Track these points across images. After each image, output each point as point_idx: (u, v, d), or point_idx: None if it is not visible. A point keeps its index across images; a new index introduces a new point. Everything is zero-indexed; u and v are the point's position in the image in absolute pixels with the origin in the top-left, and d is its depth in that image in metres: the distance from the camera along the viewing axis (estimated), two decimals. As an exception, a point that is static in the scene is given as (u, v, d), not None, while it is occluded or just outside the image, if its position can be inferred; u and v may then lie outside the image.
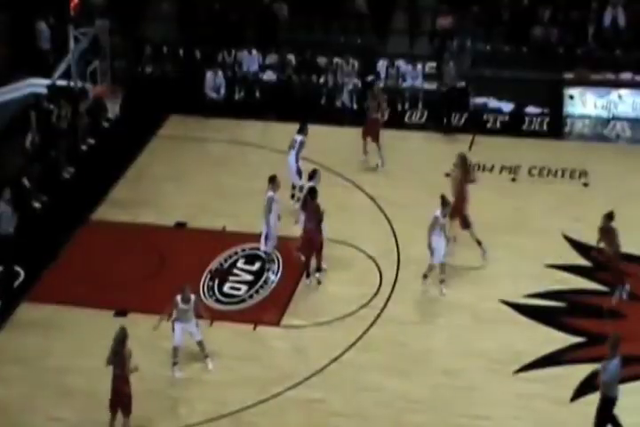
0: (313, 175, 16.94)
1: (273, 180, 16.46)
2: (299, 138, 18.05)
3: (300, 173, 17.81)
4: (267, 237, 16.41)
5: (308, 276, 16.63)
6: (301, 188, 17.45)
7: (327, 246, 16.96)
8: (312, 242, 16.42)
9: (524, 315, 15.69)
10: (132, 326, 14.79)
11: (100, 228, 18.10)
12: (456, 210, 16.58)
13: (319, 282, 16.58)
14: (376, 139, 19.40)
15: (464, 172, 16.95)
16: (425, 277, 16.18)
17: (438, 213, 15.84)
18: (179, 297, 14.47)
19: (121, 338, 13.40)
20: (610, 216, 15.59)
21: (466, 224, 16.81)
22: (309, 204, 16.40)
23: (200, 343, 14.81)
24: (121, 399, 13.43)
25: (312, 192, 16.45)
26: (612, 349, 12.74)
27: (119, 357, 13.35)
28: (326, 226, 16.53)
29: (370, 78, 22.32)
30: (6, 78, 20.29)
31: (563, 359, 14.79)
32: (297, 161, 17.97)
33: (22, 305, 16.27)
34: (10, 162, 18.81)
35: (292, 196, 18.03)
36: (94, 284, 16.43)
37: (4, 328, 15.81)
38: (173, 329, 14.57)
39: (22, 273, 16.94)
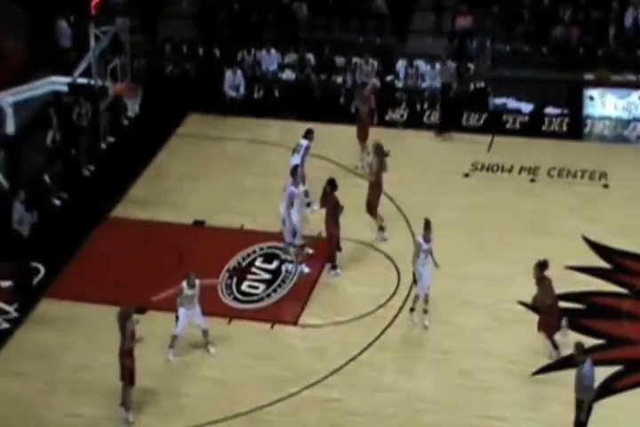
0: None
1: (294, 173, 16.63)
2: (304, 143, 18.00)
3: (303, 178, 17.55)
4: (294, 232, 16.60)
5: (334, 268, 16.71)
6: (306, 193, 17.38)
7: (344, 246, 17.04)
8: (332, 236, 16.52)
9: (542, 316, 15.67)
10: (149, 324, 14.98)
11: (119, 225, 18.18)
12: (372, 197, 16.97)
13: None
14: (364, 140, 19.33)
15: (380, 161, 17.19)
16: (412, 310, 15.61)
17: (420, 238, 15.29)
18: (184, 282, 14.56)
19: (123, 315, 13.71)
20: (542, 265, 14.53)
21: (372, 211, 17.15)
22: (329, 197, 16.44)
23: (205, 332, 14.97)
24: (124, 372, 13.79)
25: (331, 184, 16.53)
26: (580, 355, 12.88)
27: (121, 332, 13.69)
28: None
29: (389, 78, 22.33)
30: (27, 76, 20.37)
31: (580, 361, 14.75)
32: (302, 166, 17.79)
33: (42, 301, 16.37)
34: (31, 159, 18.88)
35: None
36: (113, 281, 16.50)
37: (24, 324, 15.90)
38: (177, 316, 14.60)
39: (42, 269, 17.03)
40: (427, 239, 15.25)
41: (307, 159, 18.00)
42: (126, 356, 13.78)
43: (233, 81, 21.73)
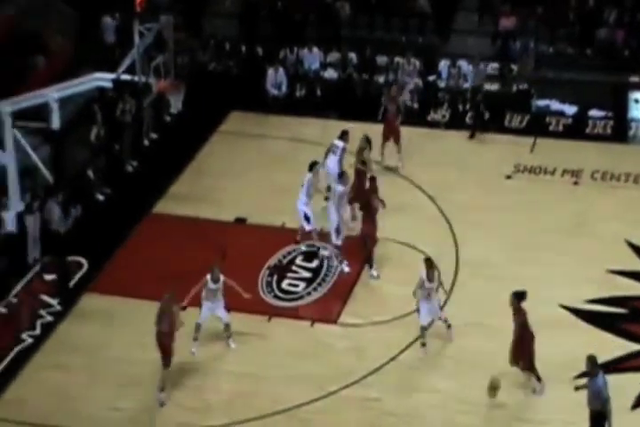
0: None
1: (342, 175, 16.79)
2: (340, 144, 18.04)
3: (340, 175, 17.59)
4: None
5: (371, 267, 16.76)
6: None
7: (385, 246, 17.06)
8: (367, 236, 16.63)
9: (583, 320, 15.57)
10: (190, 320, 15.06)
11: (160, 221, 18.31)
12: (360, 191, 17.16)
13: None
14: (397, 141, 19.34)
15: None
16: (423, 345, 15.07)
17: (423, 275, 14.83)
18: (208, 276, 14.73)
19: (169, 299, 14.14)
20: (519, 296, 13.94)
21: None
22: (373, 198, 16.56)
23: (227, 326, 15.14)
24: (164, 353, 14.11)
25: (372, 182, 16.79)
26: (593, 367, 12.66)
27: (166, 315, 14.06)
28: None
29: (431, 78, 22.29)
30: (73, 72, 20.57)
31: (623, 367, 14.64)
32: (339, 167, 17.89)
33: (85, 295, 16.54)
34: (75, 155, 19.07)
35: (326, 198, 17.89)
36: (154, 276, 16.58)
37: (67, 318, 16.08)
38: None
39: (85, 264, 17.21)
40: (430, 278, 14.82)
41: (344, 160, 18.05)
42: (168, 337, 14.05)
43: (275, 79, 21.79)
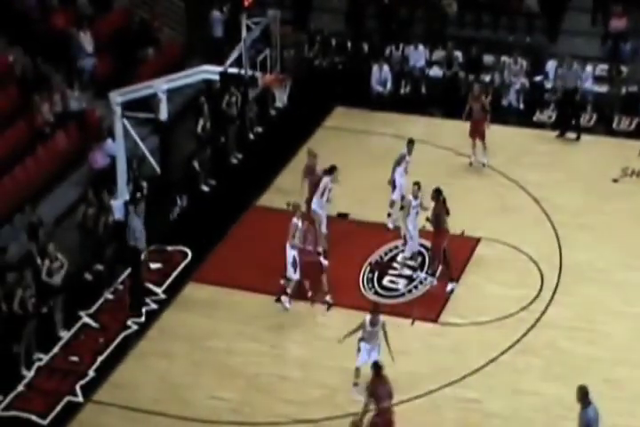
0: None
1: (417, 185, 16.61)
2: (404, 154, 17.77)
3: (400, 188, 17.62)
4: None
5: (432, 275, 16.66)
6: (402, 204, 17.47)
7: (489, 246, 16.93)
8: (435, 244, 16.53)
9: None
10: (294, 315, 15.16)
11: (264, 213, 18.46)
12: None
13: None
14: (482, 138, 19.17)
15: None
16: (355, 384, 14.39)
17: (367, 319, 14.13)
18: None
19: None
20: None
21: None
22: (435, 205, 16.33)
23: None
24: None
25: (437, 193, 16.33)
26: (583, 398, 12.11)
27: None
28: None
29: (538, 78, 21.99)
30: (181, 64, 20.88)
31: None
32: (402, 176, 17.74)
33: (189, 285, 16.78)
34: (182, 146, 19.35)
35: (389, 215, 17.89)
36: (257, 269, 16.75)
37: (171, 306, 16.33)
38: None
39: (189, 254, 17.46)
40: (373, 323, 14.07)
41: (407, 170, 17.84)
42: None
43: (380, 76, 21.76)
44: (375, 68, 21.80)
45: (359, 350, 14.26)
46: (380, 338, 14.20)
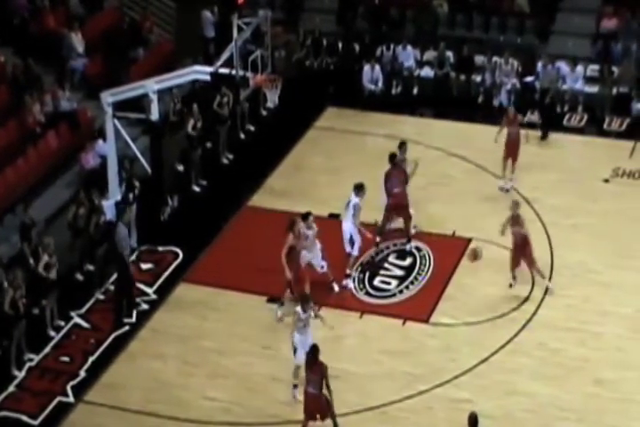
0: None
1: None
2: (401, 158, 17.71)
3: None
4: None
5: (409, 241, 17.20)
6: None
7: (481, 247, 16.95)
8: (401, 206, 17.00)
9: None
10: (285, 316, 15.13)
11: (255, 214, 18.45)
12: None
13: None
14: (515, 160, 18.72)
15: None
16: (295, 386, 14.24)
17: (299, 308, 14.22)
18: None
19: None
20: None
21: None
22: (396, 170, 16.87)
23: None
24: None
25: (392, 158, 16.95)
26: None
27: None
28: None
29: (529, 79, 22.01)
30: (172, 65, 20.86)
31: None
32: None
33: (180, 285, 16.75)
34: (172, 146, 19.31)
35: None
36: (248, 269, 16.76)
37: (163, 306, 16.30)
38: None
39: (180, 254, 17.43)
40: (305, 309, 14.14)
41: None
42: None
43: (371, 76, 21.76)
44: (367, 67, 21.81)
45: (295, 349, 14.16)
46: (311, 322, 14.22)
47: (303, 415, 13.50)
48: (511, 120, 18.77)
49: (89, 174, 18.56)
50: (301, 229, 15.88)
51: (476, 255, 15.86)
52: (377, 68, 21.81)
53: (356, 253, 16.70)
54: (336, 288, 16.43)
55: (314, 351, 13.29)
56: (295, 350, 14.19)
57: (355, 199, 16.56)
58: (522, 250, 16.07)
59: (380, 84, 21.77)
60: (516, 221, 16.05)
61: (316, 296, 14.96)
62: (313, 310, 14.32)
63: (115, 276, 16.26)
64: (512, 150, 18.72)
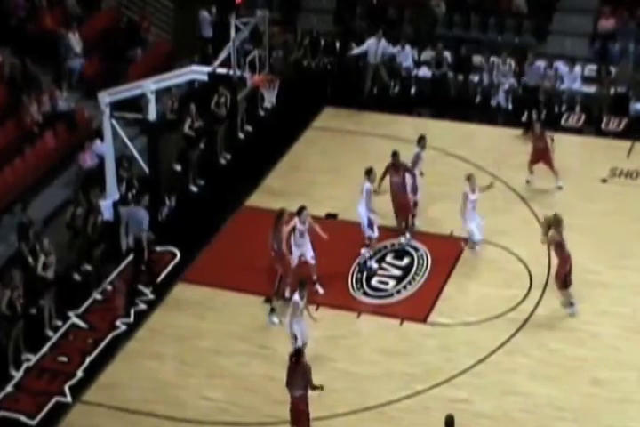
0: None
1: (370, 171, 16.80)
2: (416, 151, 17.81)
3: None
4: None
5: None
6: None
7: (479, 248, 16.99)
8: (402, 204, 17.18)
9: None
10: (282, 315, 15.12)
11: (253, 214, 18.44)
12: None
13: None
14: (551, 166, 18.61)
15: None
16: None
17: (296, 296, 14.41)
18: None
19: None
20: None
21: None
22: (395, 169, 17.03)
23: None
24: None
25: (394, 155, 17.04)
26: None
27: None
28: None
29: (526, 79, 22.00)
30: (170, 65, 20.86)
31: None
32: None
33: (177, 285, 16.75)
34: (170, 146, 19.31)
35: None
36: (246, 269, 16.75)
37: (160, 307, 16.30)
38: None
39: (178, 254, 17.42)
40: (302, 296, 14.39)
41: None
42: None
43: (375, 50, 21.71)
44: (373, 40, 21.68)
45: (295, 337, 14.37)
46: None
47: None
48: (538, 137, 18.45)
49: (87, 174, 18.57)
50: (296, 225, 15.91)
51: (551, 223, 15.29)
52: (383, 42, 21.74)
53: (375, 234, 16.80)
54: (320, 290, 16.28)
55: (297, 355, 13.24)
56: (295, 339, 14.37)
57: (366, 184, 16.69)
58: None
59: (379, 59, 21.68)
60: None
61: (313, 296, 15.00)
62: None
63: (132, 258, 16.51)
64: (540, 156, 18.51)
